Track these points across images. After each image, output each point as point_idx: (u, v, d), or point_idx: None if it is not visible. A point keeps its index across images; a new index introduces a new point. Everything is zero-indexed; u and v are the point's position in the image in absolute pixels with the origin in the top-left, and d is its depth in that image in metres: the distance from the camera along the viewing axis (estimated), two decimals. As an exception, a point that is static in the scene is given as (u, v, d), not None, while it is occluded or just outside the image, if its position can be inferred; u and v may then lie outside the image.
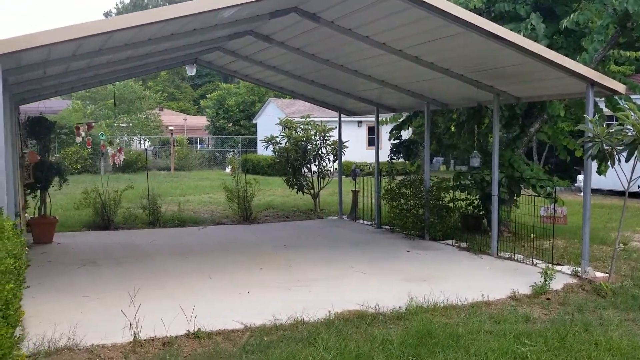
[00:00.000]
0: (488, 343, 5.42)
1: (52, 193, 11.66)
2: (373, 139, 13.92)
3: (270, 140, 16.66)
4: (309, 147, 15.93)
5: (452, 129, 13.06)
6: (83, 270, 8.58)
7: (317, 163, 16.05)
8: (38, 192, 11.21)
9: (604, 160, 7.57)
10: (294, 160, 15.74)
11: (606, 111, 11.05)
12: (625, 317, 6.48)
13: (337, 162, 15.54)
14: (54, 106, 33.27)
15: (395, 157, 13.28)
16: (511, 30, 8.77)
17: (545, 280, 7.44)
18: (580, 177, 19.44)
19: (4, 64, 5.46)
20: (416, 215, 11.37)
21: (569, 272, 8.30)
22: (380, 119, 13.84)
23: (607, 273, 8.12)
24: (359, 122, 32.82)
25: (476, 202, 11.74)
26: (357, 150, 27.51)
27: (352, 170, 15.25)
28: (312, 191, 16.05)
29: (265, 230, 12.77)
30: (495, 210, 9.80)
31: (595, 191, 18.18)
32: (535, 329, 5.93)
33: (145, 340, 5.52)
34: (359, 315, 6.32)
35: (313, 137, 16.07)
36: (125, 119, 37.46)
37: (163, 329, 5.73)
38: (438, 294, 6.99)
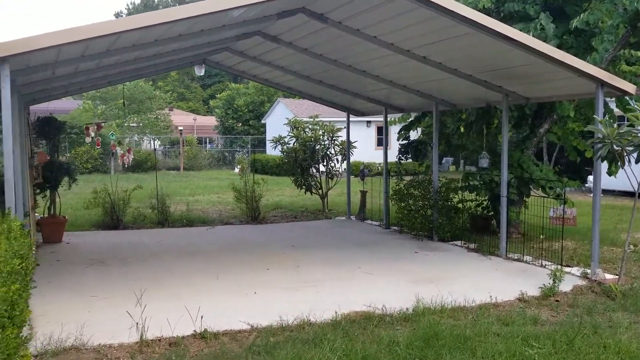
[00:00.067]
0: (495, 345, 5.39)
1: (62, 193, 11.73)
2: (382, 139, 13.86)
3: (278, 141, 16.67)
4: (317, 147, 15.92)
5: (461, 129, 13.01)
6: (91, 270, 8.62)
7: (325, 163, 16.04)
8: (47, 192, 11.28)
9: (614, 161, 7.50)
10: (302, 161, 15.74)
11: (617, 111, 10.97)
12: (634, 320, 6.41)
13: (345, 162, 15.52)
14: (65, 106, 33.50)
15: (403, 158, 13.24)
16: (520, 30, 8.73)
17: (554, 282, 7.38)
18: (590, 178, 19.29)
19: (11, 65, 5.51)
20: (424, 216, 11.32)
21: (579, 274, 8.23)
22: (389, 119, 13.81)
23: (616, 275, 8.05)
24: (368, 122, 32.78)
25: (485, 203, 11.67)
26: (366, 150, 27.47)
27: (360, 171, 15.23)
28: (320, 191, 16.05)
29: (273, 230, 12.78)
30: (504, 211, 9.74)
31: (605, 192, 18.05)
32: (543, 331, 5.89)
33: (152, 340, 5.53)
34: (366, 316, 6.30)
35: (321, 137, 16.06)
36: (135, 119, 37.66)
37: (170, 329, 5.74)
38: (446, 295, 6.96)
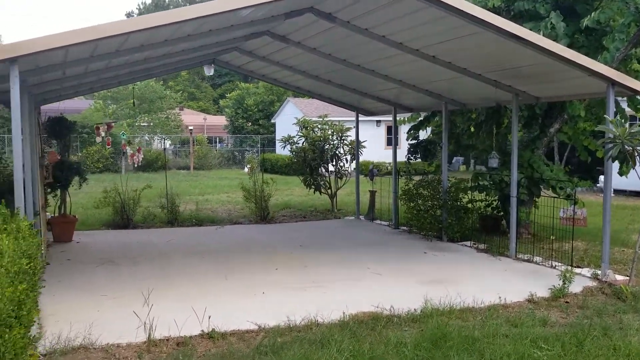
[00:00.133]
0: (504, 347, 5.35)
1: (73, 192, 11.80)
2: (392, 139, 13.82)
3: (287, 140, 16.68)
4: (326, 146, 15.91)
5: (471, 129, 12.94)
6: (101, 269, 8.67)
7: (334, 163, 16.02)
8: (58, 191, 11.36)
9: (625, 161, 7.43)
10: (311, 160, 15.73)
11: (628, 111, 10.87)
12: (645, 322, 6.35)
13: (354, 161, 15.50)
14: (76, 106, 33.70)
15: (412, 158, 13.20)
16: (531, 29, 8.67)
17: (564, 283, 7.33)
18: (602, 178, 19.13)
19: (21, 65, 5.54)
20: (434, 216, 11.28)
21: (589, 275, 8.16)
22: (398, 119, 13.76)
23: (627, 276, 7.97)
24: (378, 121, 32.73)
25: (495, 203, 11.61)
26: (376, 150, 27.44)
27: (369, 171, 15.20)
28: (329, 191, 16.04)
29: (282, 230, 12.78)
30: (513, 212, 9.68)
31: (617, 192, 17.91)
32: (552, 332, 5.84)
33: (159, 339, 5.54)
34: (374, 317, 6.28)
35: (330, 136, 16.04)
36: (146, 118, 37.84)
37: (177, 328, 5.76)
38: (454, 296, 6.92)
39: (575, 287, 7.49)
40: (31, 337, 3.99)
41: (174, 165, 35.10)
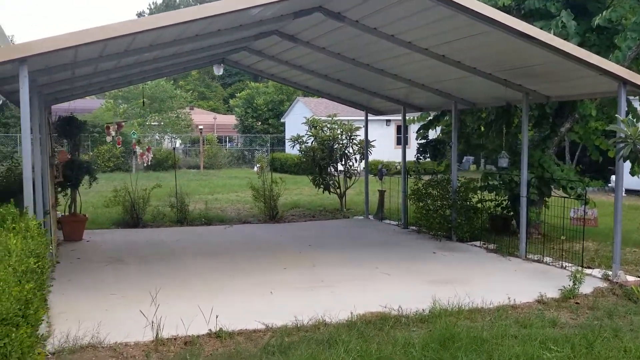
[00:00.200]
0: (512, 348, 5.31)
1: (84, 191, 11.87)
2: (401, 138, 13.77)
3: (296, 140, 16.67)
4: (335, 146, 15.88)
5: (481, 128, 12.87)
6: (111, 268, 8.71)
7: (343, 162, 16.00)
8: (68, 190, 11.43)
9: (637, 161, 7.35)
10: (321, 160, 15.71)
11: (640, 110, 10.75)
12: (657, 324, 6.28)
13: (363, 161, 15.46)
14: (87, 105, 33.90)
15: (422, 157, 13.14)
16: (541, 27, 8.60)
17: (575, 284, 7.26)
18: (613, 178, 18.96)
19: (30, 65, 5.57)
20: (443, 216, 11.22)
21: (600, 276, 8.09)
22: (408, 118, 13.70)
23: (639, 277, 7.89)
24: (388, 120, 32.65)
25: (505, 203, 11.54)
26: (386, 149, 27.39)
27: (378, 170, 15.16)
28: (338, 191, 16.01)
29: (290, 229, 12.78)
30: (523, 212, 9.61)
31: (629, 192, 17.73)
32: (562, 334, 5.79)
33: (167, 339, 5.56)
34: (382, 317, 6.26)
35: (340, 136, 16.02)
36: (156, 117, 37.99)
37: (185, 328, 5.76)
38: (463, 296, 6.88)
39: (586, 287, 7.42)
40: (39, 336, 4.00)
41: (184, 164, 35.22)
